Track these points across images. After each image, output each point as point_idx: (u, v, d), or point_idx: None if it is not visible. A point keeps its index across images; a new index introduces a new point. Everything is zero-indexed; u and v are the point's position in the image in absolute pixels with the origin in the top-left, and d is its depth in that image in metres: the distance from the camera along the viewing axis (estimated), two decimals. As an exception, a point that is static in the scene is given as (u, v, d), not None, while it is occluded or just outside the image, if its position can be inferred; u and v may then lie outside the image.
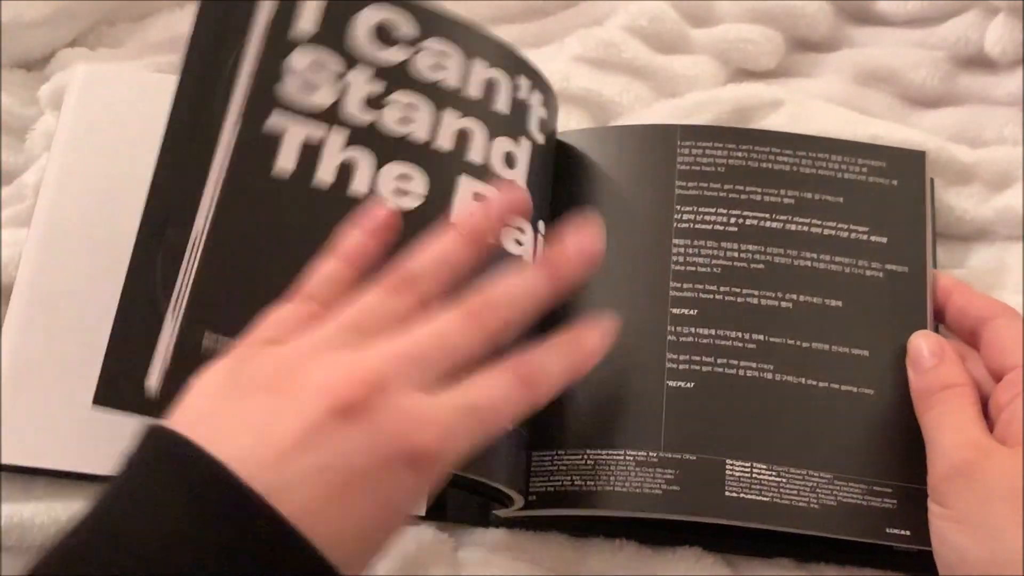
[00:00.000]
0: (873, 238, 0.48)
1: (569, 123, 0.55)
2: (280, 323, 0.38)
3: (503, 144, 0.46)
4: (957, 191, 0.54)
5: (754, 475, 0.45)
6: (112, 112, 0.50)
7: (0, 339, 0.47)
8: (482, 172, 0.46)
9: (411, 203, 0.44)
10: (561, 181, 0.51)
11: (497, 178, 0.46)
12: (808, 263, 0.48)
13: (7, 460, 0.45)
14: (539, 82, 0.49)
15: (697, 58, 0.58)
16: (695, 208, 0.49)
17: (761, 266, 0.48)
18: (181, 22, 0.58)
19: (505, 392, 0.38)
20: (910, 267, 0.48)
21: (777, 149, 0.50)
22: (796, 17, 0.58)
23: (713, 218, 0.49)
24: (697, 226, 0.49)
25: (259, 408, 0.35)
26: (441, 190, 0.45)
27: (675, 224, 0.49)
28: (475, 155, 0.45)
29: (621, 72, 0.57)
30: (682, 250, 0.48)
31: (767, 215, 0.49)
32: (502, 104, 0.47)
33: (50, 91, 0.56)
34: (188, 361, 0.40)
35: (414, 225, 0.42)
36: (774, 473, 0.45)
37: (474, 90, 0.46)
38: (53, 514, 0.47)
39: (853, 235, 0.48)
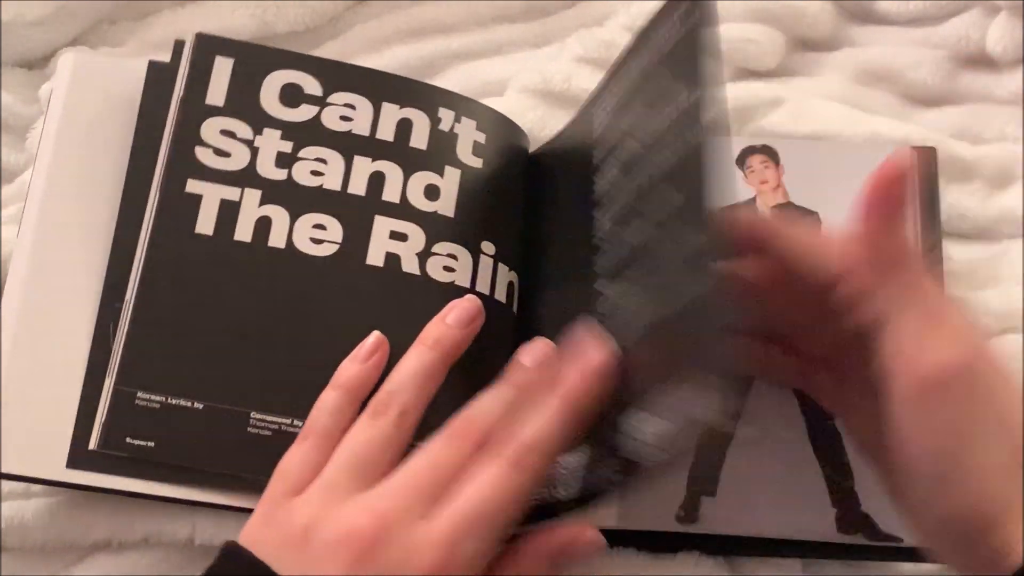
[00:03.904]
0: None
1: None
2: (292, 471, 0.42)
3: (423, 178, 0.48)
4: (959, 188, 0.54)
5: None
6: (101, 101, 0.50)
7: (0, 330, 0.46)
8: (398, 210, 0.47)
9: (328, 250, 0.46)
10: (544, 195, 0.51)
11: (416, 211, 0.47)
12: None
13: (5, 469, 0.44)
14: (469, 111, 0.50)
15: (698, 58, 0.58)
16: None
17: None
18: (182, 21, 0.58)
19: (497, 482, 0.39)
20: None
21: None
22: (797, 17, 0.58)
23: None
24: None
25: (292, 566, 0.39)
26: (356, 234, 0.47)
27: None
28: (390, 195, 0.47)
29: (622, 73, 0.56)
30: None
31: None
32: (419, 141, 0.48)
33: (51, 90, 0.56)
34: (122, 419, 0.44)
35: (332, 270, 0.46)
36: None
37: (385, 133, 0.48)
38: (55, 518, 0.47)
39: None
